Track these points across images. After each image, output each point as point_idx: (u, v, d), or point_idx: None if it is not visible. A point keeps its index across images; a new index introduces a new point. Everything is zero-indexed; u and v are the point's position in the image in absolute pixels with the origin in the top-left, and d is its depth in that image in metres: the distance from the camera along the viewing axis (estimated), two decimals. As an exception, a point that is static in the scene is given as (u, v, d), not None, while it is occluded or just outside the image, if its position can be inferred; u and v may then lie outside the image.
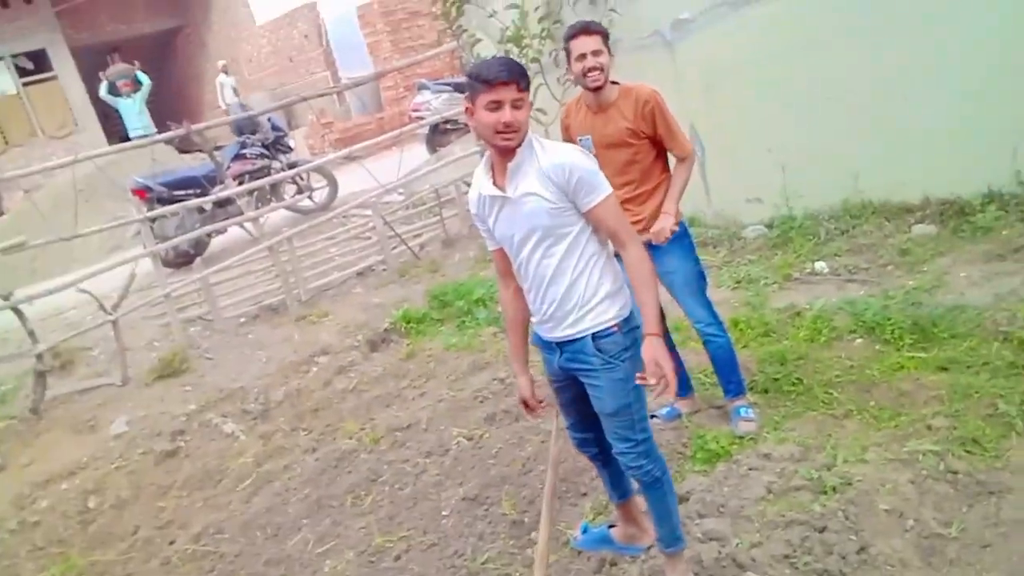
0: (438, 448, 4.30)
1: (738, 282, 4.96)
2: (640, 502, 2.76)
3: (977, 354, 3.47)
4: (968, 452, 2.89)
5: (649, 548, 2.84)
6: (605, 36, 3.17)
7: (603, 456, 2.71)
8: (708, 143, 5.74)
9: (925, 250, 4.45)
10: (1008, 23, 4.26)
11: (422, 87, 12.60)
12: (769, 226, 5.45)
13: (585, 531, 3.05)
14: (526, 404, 2.68)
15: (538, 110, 6.21)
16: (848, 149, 4.99)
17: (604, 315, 2.33)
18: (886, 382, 3.50)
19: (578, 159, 2.22)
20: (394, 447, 4.52)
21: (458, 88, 11.40)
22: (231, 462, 5.01)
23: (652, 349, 2.22)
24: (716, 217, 5.89)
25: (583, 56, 3.12)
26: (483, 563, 3.16)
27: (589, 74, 3.14)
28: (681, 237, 3.35)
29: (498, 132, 2.17)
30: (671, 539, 2.55)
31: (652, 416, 3.44)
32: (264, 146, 9.93)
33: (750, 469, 3.16)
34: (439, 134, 11.10)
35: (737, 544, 2.74)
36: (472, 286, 6.35)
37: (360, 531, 3.74)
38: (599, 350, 2.33)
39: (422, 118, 10.41)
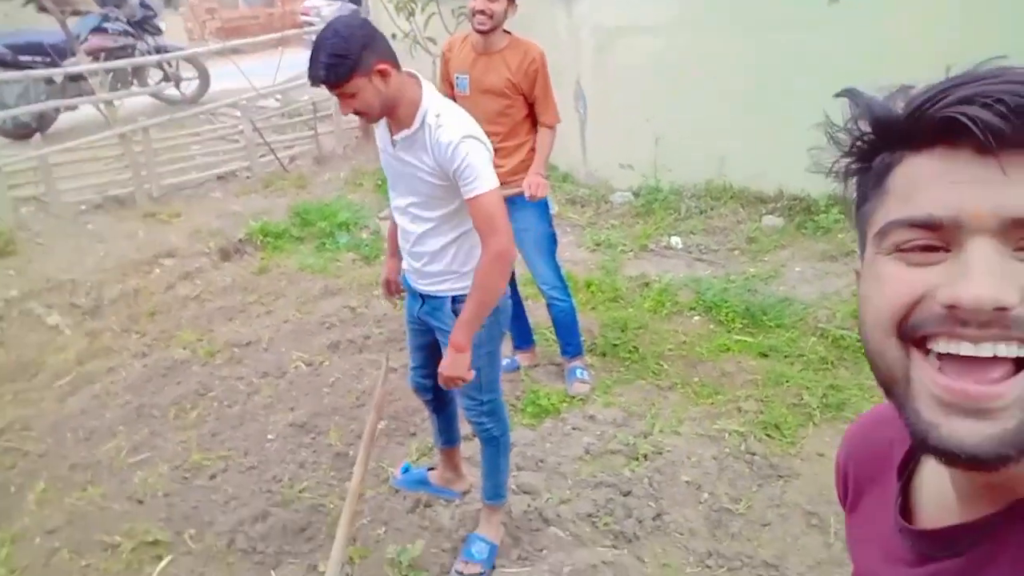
0: (275, 370, 4.21)
1: (598, 245, 5.08)
2: (461, 451, 2.84)
3: (795, 345, 3.73)
4: (768, 436, 3.12)
5: (464, 494, 2.93)
6: None
7: (436, 402, 2.78)
8: (592, 104, 5.78)
9: (770, 240, 4.71)
10: (879, 35, 4.48)
11: (315, -10, 11.97)
12: (636, 194, 5.59)
13: (406, 471, 3.10)
14: (388, 286, 2.77)
15: (428, 38, 6.04)
16: (719, 131, 5.16)
17: (467, 283, 2.33)
18: (712, 360, 3.71)
19: (467, 147, 2.11)
20: (230, 363, 4.39)
21: (354, 0, 10.85)
22: (50, 357, 4.71)
23: (450, 360, 2.21)
24: (589, 177, 5.97)
25: None
26: (300, 491, 3.15)
27: (476, 16, 3.10)
28: (537, 200, 3.41)
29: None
30: (494, 494, 2.64)
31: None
32: (129, 23, 9.14)
33: (574, 428, 3.29)
34: (328, 43, 10.58)
35: (547, 499, 2.87)
36: (338, 208, 6.19)
37: (179, 445, 3.63)
38: (456, 313, 2.34)
39: (312, 23, 9.89)
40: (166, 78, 9.20)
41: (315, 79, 2.09)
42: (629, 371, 3.75)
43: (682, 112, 5.29)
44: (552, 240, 3.51)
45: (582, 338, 3.71)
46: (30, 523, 3.17)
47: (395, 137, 2.22)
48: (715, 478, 2.91)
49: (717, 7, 5.05)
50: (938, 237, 0.54)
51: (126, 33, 9.10)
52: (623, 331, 4.00)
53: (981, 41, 3.94)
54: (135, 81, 8.86)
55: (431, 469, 3.01)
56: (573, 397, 3.53)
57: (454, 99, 3.45)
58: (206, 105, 8.19)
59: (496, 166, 3.27)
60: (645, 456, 3.05)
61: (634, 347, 3.88)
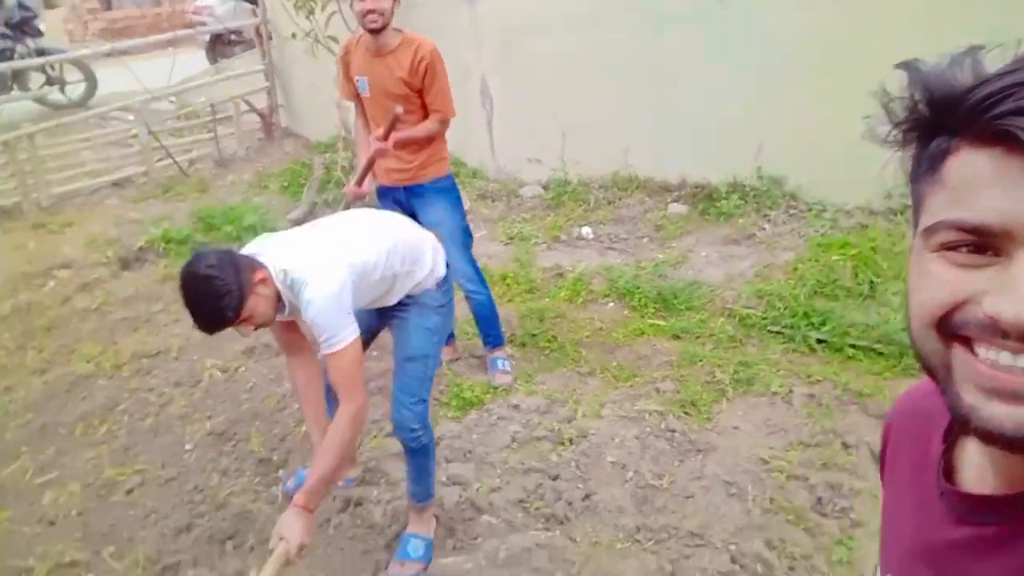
0: (188, 379, 4.09)
1: (511, 238, 5.14)
2: None
3: (705, 326, 3.89)
4: (686, 413, 3.25)
5: (356, 480, 2.96)
6: None
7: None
8: (499, 100, 5.84)
9: (676, 227, 4.88)
10: (775, 31, 4.69)
11: (207, -12, 11.56)
12: (546, 187, 5.68)
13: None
14: None
15: (330, 38, 5.97)
16: (622, 124, 5.30)
17: (423, 285, 2.52)
18: (628, 345, 3.82)
19: (317, 308, 2.13)
20: (138, 375, 4.23)
21: (249, -1, 10.54)
22: (-61, 379, 4.43)
23: (288, 519, 2.10)
24: (498, 172, 6.03)
25: None
26: (226, 496, 3.08)
27: (367, 16, 3.11)
28: (449, 191, 3.46)
29: None
30: (424, 496, 2.64)
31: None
32: (7, 25, 8.62)
33: (499, 418, 3.34)
34: (222, 44, 10.28)
35: (478, 488, 2.90)
36: (244, 211, 6.02)
37: (89, 462, 3.48)
38: (412, 298, 2.51)
39: (204, 23, 9.58)
40: (49, 82, 8.73)
41: (213, 328, 2.11)
42: (549, 359, 3.82)
43: (587, 106, 5.41)
44: (467, 234, 3.55)
45: (502, 329, 3.76)
46: (-69, 554, 2.99)
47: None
48: (638, 456, 3.01)
49: (617, 3, 5.18)
50: (987, 242, 0.53)
51: (3, 36, 8.58)
52: (541, 321, 4.07)
53: (862, 26, 4.20)
54: (15, 86, 8.36)
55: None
56: (496, 388, 3.57)
57: (359, 99, 3.43)
58: (95, 109, 7.80)
59: (403, 161, 3.33)
60: (570, 440, 3.13)
61: (553, 336, 3.96)
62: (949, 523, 0.66)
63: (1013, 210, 0.51)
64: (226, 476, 3.22)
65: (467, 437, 3.24)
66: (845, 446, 2.94)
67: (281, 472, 3.18)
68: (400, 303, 2.51)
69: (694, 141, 5.08)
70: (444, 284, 2.58)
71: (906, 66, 0.58)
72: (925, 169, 0.59)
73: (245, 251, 2.25)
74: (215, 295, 2.01)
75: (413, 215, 3.55)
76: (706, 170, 5.12)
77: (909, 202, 0.64)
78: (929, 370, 0.59)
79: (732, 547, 2.53)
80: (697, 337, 3.82)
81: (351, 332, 2.18)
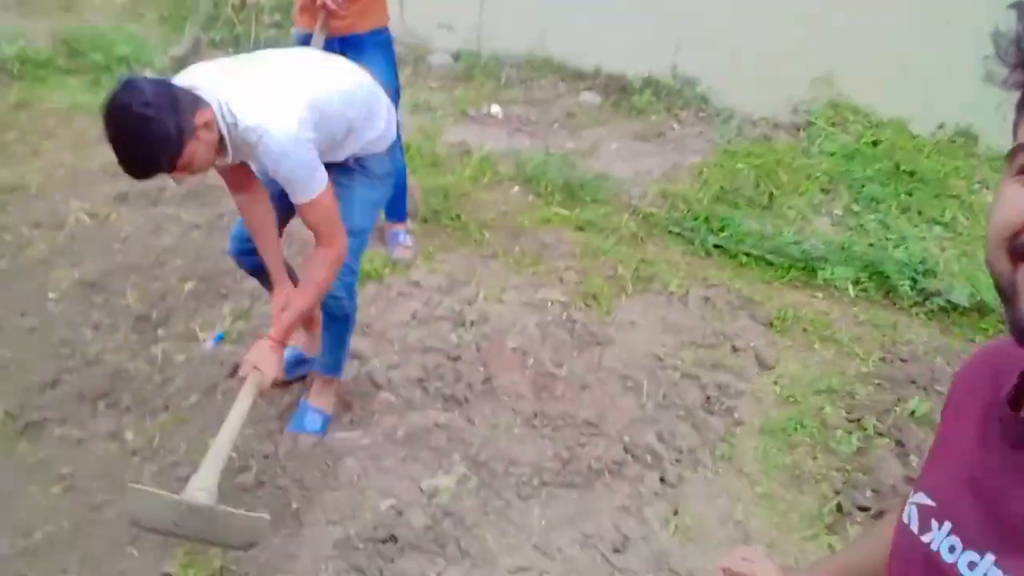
0: (50, 220, 3.72)
1: (416, 107, 4.89)
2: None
3: (610, 220, 3.89)
4: (587, 305, 3.27)
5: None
6: None
7: (262, 268, 2.49)
8: (413, -48, 5.41)
9: (588, 117, 4.79)
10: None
11: None
12: (456, 57, 5.41)
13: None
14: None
15: None
16: (541, 3, 5.06)
17: (374, 148, 2.30)
18: (533, 232, 3.77)
19: (281, 158, 1.91)
20: (-10, 211, 3.80)
21: None
22: None
23: (263, 350, 2.07)
24: (406, 35, 5.64)
25: None
26: (99, 352, 2.86)
27: None
28: (387, 45, 3.21)
29: None
30: (333, 367, 2.55)
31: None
32: None
33: (399, 294, 3.24)
34: None
35: (376, 364, 2.83)
36: (116, 39, 5.41)
37: (-67, 304, 3.13)
38: (362, 165, 2.29)
39: None
40: None
41: (142, 175, 1.80)
42: (452, 238, 3.72)
43: (507, -24, 5.11)
44: (396, 94, 3.31)
45: (407, 202, 3.61)
46: None
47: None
48: (539, 344, 3.02)
49: None
50: None
51: None
52: (445, 198, 3.94)
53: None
54: None
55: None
56: (396, 262, 3.45)
57: None
58: None
59: (340, 17, 3.01)
60: (472, 323, 3.09)
61: (457, 215, 3.84)
62: (1002, 449, 0.69)
63: None
64: (98, 331, 2.98)
65: (365, 311, 3.13)
66: (734, 349, 3.06)
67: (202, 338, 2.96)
68: (345, 166, 2.27)
69: (613, 31, 4.93)
70: (392, 151, 2.38)
71: (1019, 7, 0.60)
72: (1022, 108, 0.61)
73: (179, 82, 1.93)
74: (150, 139, 1.72)
75: None
76: (622, 62, 5.01)
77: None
78: (1001, 291, 0.61)
79: (626, 438, 2.61)
80: (601, 230, 3.82)
81: (321, 178, 1.99)
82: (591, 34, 5.04)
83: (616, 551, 2.26)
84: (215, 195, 3.96)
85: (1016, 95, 0.62)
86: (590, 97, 4.94)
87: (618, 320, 3.21)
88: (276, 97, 1.93)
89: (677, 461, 2.57)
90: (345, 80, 2.17)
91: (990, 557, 0.64)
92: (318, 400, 2.57)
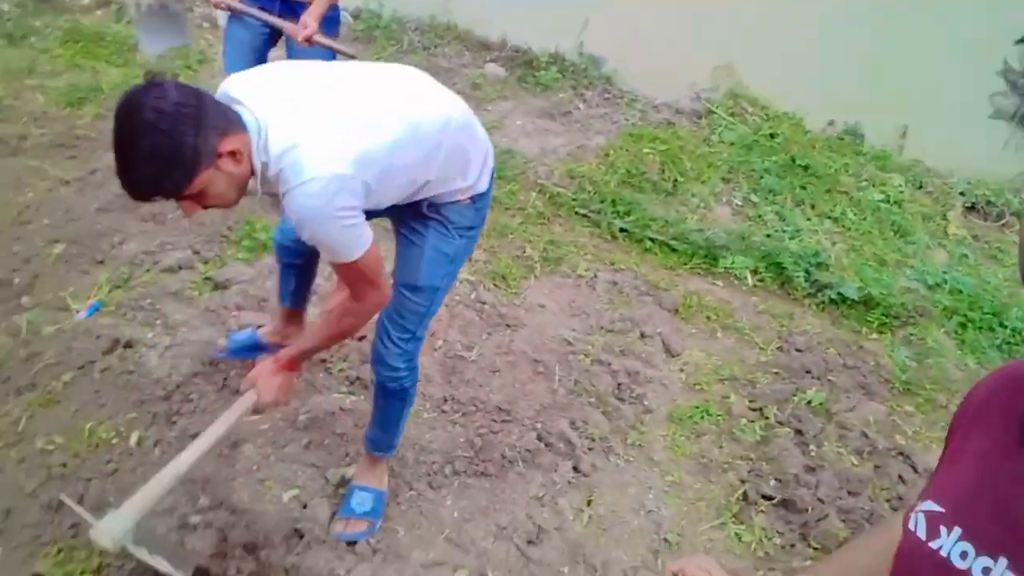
0: None
1: (312, 66, 4.60)
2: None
3: (516, 198, 3.81)
4: (496, 286, 3.18)
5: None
6: None
7: (302, 267, 2.33)
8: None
9: (493, 90, 4.67)
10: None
11: None
12: (355, 16, 5.14)
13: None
14: None
15: None
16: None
17: (455, 196, 1.84)
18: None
19: (313, 230, 1.56)
20: None
21: None
22: None
23: (267, 371, 1.81)
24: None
25: None
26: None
27: None
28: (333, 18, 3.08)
29: None
30: (384, 446, 2.19)
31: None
32: None
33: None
34: None
35: (275, 342, 2.63)
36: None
37: None
38: (439, 212, 1.84)
39: None
40: None
41: (138, 195, 1.47)
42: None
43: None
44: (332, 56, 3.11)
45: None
46: None
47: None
48: (447, 325, 2.91)
49: None
50: None
51: None
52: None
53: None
54: None
55: (259, 327, 2.53)
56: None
57: None
58: None
59: None
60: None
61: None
62: (1019, 454, 0.68)
63: None
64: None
65: (260, 284, 2.92)
66: (642, 336, 3.06)
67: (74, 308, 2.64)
68: (417, 210, 1.84)
69: (521, 2, 4.83)
70: (479, 201, 1.90)
71: None
72: None
73: (223, 92, 1.60)
74: (154, 154, 1.40)
75: (274, 34, 3.05)
76: (529, 35, 4.92)
77: None
78: None
79: (539, 425, 2.55)
80: (507, 208, 3.73)
81: (359, 244, 1.61)
82: (497, 2, 4.91)
83: (530, 543, 2.20)
84: (86, 147, 3.59)
85: None
86: (495, 69, 4.81)
87: (527, 302, 3.14)
88: (331, 148, 1.54)
89: (590, 449, 2.54)
90: (432, 134, 1.71)
91: (1003, 561, 0.64)
92: (367, 478, 2.19)
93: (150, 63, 4.66)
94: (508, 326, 2.98)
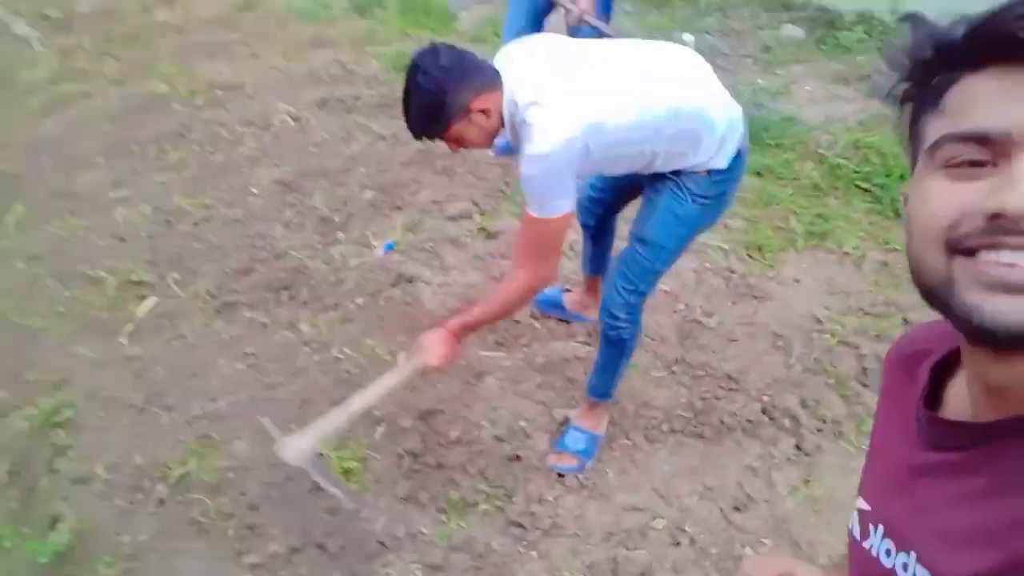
0: (259, 120, 4.08)
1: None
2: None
3: (790, 168, 3.70)
4: (750, 256, 3.17)
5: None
6: None
7: (596, 230, 2.53)
8: None
9: (785, 52, 4.50)
10: None
11: None
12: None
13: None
14: None
15: None
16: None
17: (692, 169, 1.95)
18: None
19: (531, 169, 1.76)
20: (211, 105, 4.23)
21: None
22: (23, 73, 4.48)
23: (435, 337, 1.96)
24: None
25: None
26: (286, 248, 3.17)
27: None
28: None
29: None
30: (601, 392, 2.35)
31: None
32: None
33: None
34: None
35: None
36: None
37: (160, 186, 3.58)
38: (676, 176, 1.96)
39: None
40: None
41: (413, 132, 1.86)
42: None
43: None
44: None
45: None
46: (12, 246, 3.17)
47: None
48: (692, 290, 2.99)
49: None
50: (987, 151, 0.55)
51: None
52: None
53: None
54: None
55: (567, 291, 2.89)
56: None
57: None
58: None
59: None
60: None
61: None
62: (921, 449, 0.68)
63: (1012, 115, 0.54)
64: (288, 228, 3.29)
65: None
66: (906, 322, 2.88)
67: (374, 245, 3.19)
68: (658, 173, 1.97)
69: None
70: (716, 176, 1.94)
71: (911, 18, 0.61)
72: (926, 108, 0.61)
73: (498, 59, 1.90)
74: (419, 107, 1.78)
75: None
76: (835, -8, 4.63)
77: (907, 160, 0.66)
78: (928, 291, 0.60)
79: (765, 398, 2.56)
80: (779, 178, 3.65)
81: (559, 206, 1.80)
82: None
83: (736, 509, 2.26)
84: (403, 108, 4.16)
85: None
86: (792, 30, 4.62)
87: (781, 276, 3.10)
88: (563, 109, 1.74)
89: (818, 430, 2.49)
90: (662, 103, 1.81)
91: (913, 555, 0.65)
92: (584, 420, 2.39)
93: (468, 31, 5.20)
94: (755, 297, 2.98)
